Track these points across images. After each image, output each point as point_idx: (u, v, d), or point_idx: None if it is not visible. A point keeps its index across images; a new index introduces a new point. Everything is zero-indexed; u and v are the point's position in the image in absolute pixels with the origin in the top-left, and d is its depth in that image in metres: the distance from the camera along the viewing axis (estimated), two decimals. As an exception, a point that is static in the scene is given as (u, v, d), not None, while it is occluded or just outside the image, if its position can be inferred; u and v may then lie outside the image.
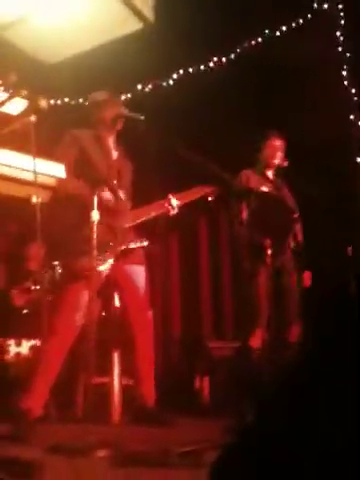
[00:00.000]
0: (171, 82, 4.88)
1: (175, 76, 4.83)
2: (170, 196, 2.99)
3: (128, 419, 2.85)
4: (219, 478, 1.23)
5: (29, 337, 3.45)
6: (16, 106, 3.49)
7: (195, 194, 3.06)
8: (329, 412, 1.10)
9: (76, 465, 1.89)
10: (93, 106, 3.05)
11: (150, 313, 2.94)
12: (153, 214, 2.98)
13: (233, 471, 1.21)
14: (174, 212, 3.00)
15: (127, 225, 2.92)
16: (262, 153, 3.72)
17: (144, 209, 3.01)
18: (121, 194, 2.96)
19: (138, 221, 2.97)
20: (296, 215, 3.61)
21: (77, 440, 2.17)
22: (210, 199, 3.09)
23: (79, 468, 1.84)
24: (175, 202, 2.98)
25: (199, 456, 2.03)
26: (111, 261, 2.79)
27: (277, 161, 3.66)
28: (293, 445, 1.11)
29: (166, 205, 2.98)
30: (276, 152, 3.66)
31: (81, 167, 2.84)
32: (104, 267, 2.73)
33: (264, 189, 3.60)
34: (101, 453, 2.17)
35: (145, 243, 2.94)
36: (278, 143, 3.69)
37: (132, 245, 2.90)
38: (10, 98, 3.35)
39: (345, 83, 4.38)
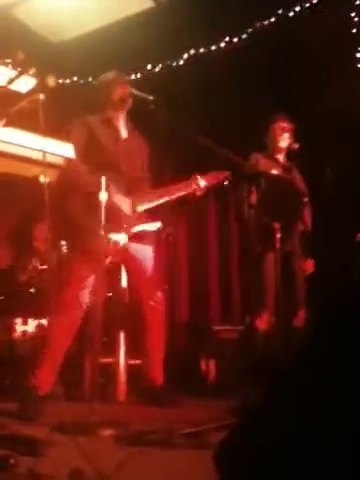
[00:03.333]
0: (181, 62, 4.82)
1: (186, 56, 4.76)
2: (198, 176, 2.95)
3: (135, 399, 2.86)
4: (225, 459, 1.23)
5: (35, 316, 3.47)
6: (24, 84, 3.46)
7: (214, 178, 3.02)
8: (336, 395, 1.09)
9: (82, 443, 1.90)
10: (101, 86, 3.02)
11: (160, 293, 2.93)
12: (179, 194, 2.95)
13: (239, 452, 1.21)
14: (201, 193, 2.96)
15: (142, 207, 2.88)
16: (269, 136, 3.69)
17: (167, 189, 2.97)
18: (133, 174, 2.92)
19: (160, 201, 2.93)
20: (306, 199, 3.58)
21: (83, 419, 2.19)
22: (226, 184, 3.06)
23: (84, 446, 1.85)
24: (203, 182, 2.94)
25: (204, 437, 2.04)
26: (123, 242, 2.77)
27: (284, 144, 3.64)
28: (299, 427, 1.11)
29: (193, 185, 2.94)
30: (283, 134, 3.63)
31: (90, 150, 2.82)
32: (110, 250, 2.72)
33: (274, 172, 3.57)
34: (107, 432, 2.18)
35: (158, 225, 2.92)
36: (285, 125, 3.66)
37: (145, 227, 2.88)
38: (18, 76, 3.32)
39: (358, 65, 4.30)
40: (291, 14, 4.56)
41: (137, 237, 2.87)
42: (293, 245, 3.53)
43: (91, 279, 2.71)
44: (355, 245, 3.63)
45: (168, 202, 2.97)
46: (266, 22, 4.57)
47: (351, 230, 3.75)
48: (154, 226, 2.91)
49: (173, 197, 2.95)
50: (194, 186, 2.94)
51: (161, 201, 2.95)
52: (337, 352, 1.13)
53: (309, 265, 3.64)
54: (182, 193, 2.95)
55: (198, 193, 2.97)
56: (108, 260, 2.69)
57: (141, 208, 2.90)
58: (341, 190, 3.83)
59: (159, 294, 2.93)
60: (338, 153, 3.88)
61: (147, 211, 2.95)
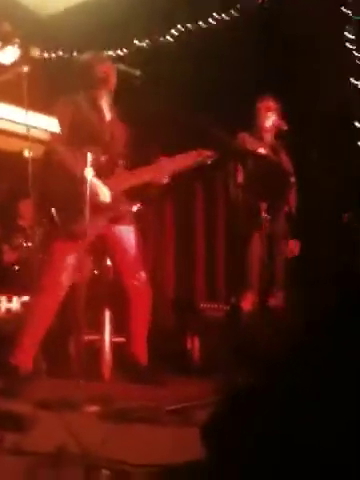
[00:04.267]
0: (169, 37, 4.75)
1: (173, 31, 4.69)
2: (162, 160, 2.91)
3: (119, 376, 2.88)
4: (210, 436, 1.24)
5: (20, 293, 3.45)
6: (8, 56, 3.38)
7: (192, 158, 2.98)
8: (314, 373, 1.11)
9: (66, 420, 1.90)
10: (83, 66, 2.96)
11: (143, 273, 2.92)
12: (145, 179, 2.92)
13: (224, 429, 1.22)
14: (166, 180, 2.94)
15: (119, 189, 2.87)
16: (255, 116, 3.66)
17: (137, 173, 2.95)
18: (114, 155, 2.90)
19: (129, 185, 2.91)
20: (292, 179, 3.58)
21: (67, 395, 2.19)
22: (208, 163, 3.02)
23: (69, 423, 1.85)
24: (168, 168, 2.90)
25: (189, 414, 2.05)
26: (101, 223, 2.75)
27: (269, 123, 3.61)
28: (284, 405, 1.12)
29: (159, 171, 2.91)
30: (268, 113, 3.60)
31: (75, 129, 2.78)
32: (92, 229, 2.70)
33: (261, 151, 3.55)
34: (91, 408, 2.19)
35: (136, 207, 2.90)
36: (271, 105, 3.63)
37: (123, 208, 2.87)
38: (2, 47, 3.25)
39: (349, 46, 4.28)
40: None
41: (118, 218, 2.85)
42: (278, 226, 3.53)
43: (73, 258, 2.70)
44: (344, 226, 3.64)
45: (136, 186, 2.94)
46: (255, 2, 4.52)
47: (336, 211, 3.76)
48: (132, 207, 2.90)
49: (139, 182, 2.92)
50: (160, 171, 2.90)
51: (134, 184, 2.92)
52: (329, 336, 1.15)
53: (294, 247, 3.64)
54: (148, 178, 2.92)
55: (164, 180, 2.93)
56: (90, 240, 2.67)
57: (120, 189, 2.88)
58: (327, 171, 3.83)
59: (142, 273, 2.92)
60: (325, 136, 3.88)
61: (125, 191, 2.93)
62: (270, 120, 3.60)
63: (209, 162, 2.99)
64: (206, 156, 2.95)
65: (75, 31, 4.51)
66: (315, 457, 1.05)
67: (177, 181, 3.06)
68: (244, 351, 2.61)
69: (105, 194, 2.80)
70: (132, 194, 2.96)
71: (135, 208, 2.93)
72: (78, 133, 2.78)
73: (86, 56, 2.99)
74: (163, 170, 2.90)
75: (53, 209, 2.76)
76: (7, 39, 3.33)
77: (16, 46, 3.21)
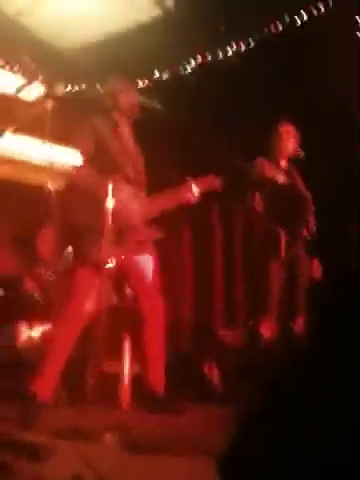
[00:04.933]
0: (189, 69, 4.84)
1: (193, 63, 4.79)
2: (192, 183, 2.94)
3: (137, 406, 2.87)
4: (227, 466, 1.23)
5: (41, 322, 3.48)
6: (33, 92, 3.51)
7: (210, 182, 3.01)
8: (336, 402, 1.10)
9: (83, 449, 1.91)
10: (109, 92, 3.03)
11: (160, 301, 2.93)
12: (176, 203, 2.95)
13: (241, 459, 1.21)
14: (195, 199, 2.97)
15: (144, 216, 2.89)
16: (275, 141, 3.67)
17: (164, 198, 2.97)
18: (136, 183, 2.93)
19: (157, 212, 2.93)
20: (311, 205, 3.57)
21: (85, 425, 2.20)
22: (220, 191, 3.04)
23: (86, 452, 1.86)
24: (196, 190, 2.94)
25: (208, 443, 2.04)
26: (121, 253, 2.77)
27: (290, 149, 3.61)
28: (300, 434, 1.12)
29: (188, 194, 2.94)
30: (289, 140, 3.61)
31: (98, 155, 2.83)
32: (114, 259, 2.72)
33: (279, 179, 3.57)
34: (109, 438, 2.19)
35: (159, 236, 2.92)
36: (291, 130, 3.64)
37: (146, 238, 2.89)
38: (27, 84, 3.36)
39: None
40: (299, 22, 4.56)
41: (137, 247, 2.87)
42: (297, 251, 3.52)
43: (95, 288, 2.72)
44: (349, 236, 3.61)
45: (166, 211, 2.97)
46: (273, 29, 4.58)
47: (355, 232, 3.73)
48: (154, 236, 2.91)
49: (172, 205, 2.95)
50: (187, 194, 2.93)
51: (162, 210, 2.94)
52: (340, 359, 1.14)
53: (316, 268, 3.62)
54: (180, 201, 2.95)
55: (192, 201, 2.96)
56: (112, 269, 2.69)
57: (144, 217, 2.91)
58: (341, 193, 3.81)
59: (158, 300, 2.93)
60: (341, 162, 3.87)
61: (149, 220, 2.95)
62: (291, 145, 3.60)
63: (220, 190, 3.02)
64: (216, 186, 2.99)
65: (95, 65, 4.62)
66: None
67: (196, 207, 3.08)
68: (262, 377, 2.59)
69: (133, 219, 2.82)
70: (155, 221, 2.99)
71: (157, 237, 2.94)
72: (102, 157, 2.80)
73: (115, 83, 3.04)
74: (193, 189, 2.93)
75: (76, 238, 2.80)
76: (31, 76, 3.45)
77: (40, 83, 3.33)
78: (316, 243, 3.63)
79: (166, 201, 2.96)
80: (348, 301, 1.31)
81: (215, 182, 2.99)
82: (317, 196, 3.64)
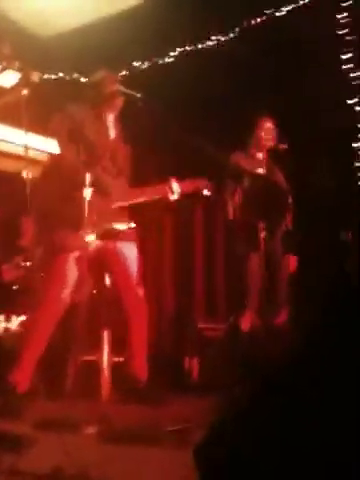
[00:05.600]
0: (168, 60, 4.82)
1: (173, 53, 4.76)
2: (173, 181, 2.94)
3: (118, 396, 2.86)
4: (203, 457, 1.23)
5: (19, 313, 3.45)
6: (9, 79, 3.43)
7: (190, 186, 3.01)
8: (318, 393, 1.10)
9: (65, 441, 1.89)
10: (92, 84, 3.00)
11: (141, 290, 2.92)
12: (152, 197, 2.95)
13: (217, 451, 1.21)
14: (174, 198, 2.96)
15: (117, 205, 2.89)
16: (254, 135, 3.68)
17: (142, 190, 2.97)
18: (114, 173, 2.92)
19: (132, 202, 2.93)
20: (290, 199, 3.60)
21: (66, 416, 2.18)
22: (205, 193, 3.04)
23: (67, 444, 1.84)
24: (177, 188, 2.94)
25: (188, 435, 2.04)
26: (92, 238, 2.76)
27: (269, 144, 3.62)
28: (280, 425, 1.12)
29: (167, 189, 2.94)
30: (268, 134, 3.62)
31: (73, 144, 2.80)
32: (91, 247, 2.71)
33: (258, 171, 3.58)
34: (90, 429, 2.18)
35: (131, 225, 2.91)
36: (270, 125, 3.66)
37: (117, 226, 2.88)
38: (2, 70, 3.29)
39: (343, 67, 4.34)
40: (279, 14, 4.58)
41: (121, 235, 2.86)
42: (276, 244, 3.55)
43: (72, 276, 2.70)
44: (343, 242, 3.66)
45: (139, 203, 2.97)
46: (254, 21, 4.59)
47: (333, 227, 3.78)
48: (127, 226, 2.91)
49: (148, 199, 2.95)
50: (168, 191, 2.93)
51: (136, 201, 2.94)
52: (324, 351, 1.14)
53: (292, 263, 3.65)
54: (156, 196, 2.95)
55: (171, 198, 2.95)
56: (90, 258, 2.68)
57: (117, 205, 2.90)
58: (324, 189, 3.86)
59: (140, 290, 2.93)
60: (322, 153, 3.91)
61: (124, 209, 2.95)
62: (270, 141, 3.62)
63: (206, 192, 3.01)
64: (202, 187, 2.99)
65: (74, 53, 4.57)
66: (316, 474, 1.05)
67: (175, 201, 3.08)
68: (244, 369, 2.61)
69: (108, 210, 2.82)
70: (132, 212, 2.98)
71: (128, 226, 2.93)
72: (79, 146, 2.79)
73: (97, 74, 3.01)
74: (173, 188, 2.93)
75: (51, 226, 2.78)
76: (7, 62, 3.38)
77: (16, 69, 3.26)
78: (303, 239, 3.68)
79: (145, 194, 2.96)
80: (333, 296, 1.31)
81: (202, 184, 2.99)
82: (301, 194, 3.68)
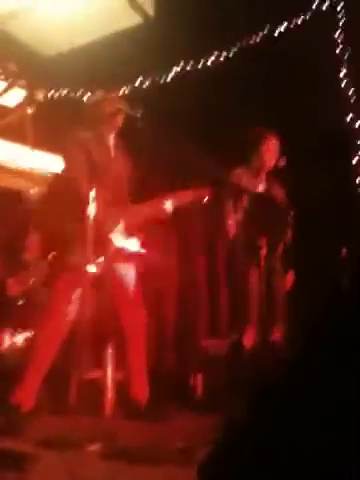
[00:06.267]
0: (169, 78, 4.87)
1: (174, 71, 4.82)
2: (164, 201, 2.95)
3: (121, 414, 2.86)
4: (207, 475, 1.24)
5: (24, 328, 3.45)
6: (14, 97, 3.48)
7: (189, 196, 3.03)
8: (321, 412, 1.11)
9: (68, 458, 1.90)
10: (92, 104, 3.04)
11: (143, 310, 2.94)
12: (149, 214, 2.97)
13: (221, 469, 1.22)
14: (167, 216, 2.98)
15: (121, 224, 2.91)
16: (258, 153, 3.65)
17: (138, 209, 3.00)
18: (116, 193, 2.94)
19: (134, 219, 2.96)
20: (291, 215, 3.61)
21: (69, 433, 2.19)
22: (205, 202, 3.06)
23: (70, 461, 1.85)
24: (168, 205, 2.94)
25: (192, 453, 2.04)
26: (102, 260, 2.78)
27: (272, 162, 3.60)
28: (284, 443, 1.13)
29: (159, 208, 2.96)
30: (273, 154, 3.61)
31: (82, 167, 2.84)
32: (95, 265, 2.73)
33: (259, 189, 3.60)
34: (93, 447, 2.18)
35: (138, 244, 2.94)
36: (274, 144, 3.65)
37: (127, 247, 2.90)
38: (8, 88, 3.34)
39: (343, 82, 4.39)
40: (277, 33, 4.64)
41: (120, 256, 2.87)
42: (275, 262, 3.55)
43: (77, 293, 2.72)
44: (341, 259, 3.67)
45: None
46: (252, 40, 4.65)
47: (332, 244, 3.80)
48: (134, 245, 2.93)
49: (141, 218, 2.97)
50: (159, 209, 2.94)
51: (137, 219, 2.96)
52: (322, 367, 1.15)
53: (289, 280, 3.66)
54: (152, 213, 2.96)
55: (163, 216, 2.96)
56: (94, 276, 2.70)
57: (126, 224, 2.93)
58: (323, 204, 3.88)
59: (139, 311, 2.94)
60: (321, 169, 3.94)
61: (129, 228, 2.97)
62: (273, 159, 3.60)
63: (204, 201, 3.03)
64: (203, 196, 3.01)
65: (78, 71, 4.62)
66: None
67: (177, 218, 3.11)
68: (246, 386, 2.61)
69: (111, 229, 2.84)
70: (135, 229, 3.00)
71: (138, 243, 2.96)
72: (85, 171, 2.83)
73: (96, 95, 3.05)
74: (165, 205, 2.95)
75: (57, 243, 2.80)
76: (13, 80, 3.42)
77: (22, 87, 3.30)
78: (300, 255, 3.69)
79: (142, 212, 2.98)
80: (332, 312, 1.32)
81: (201, 193, 3.01)
82: (302, 208, 3.70)
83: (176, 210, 2.99)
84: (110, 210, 2.85)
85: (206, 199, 3.00)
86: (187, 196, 3.01)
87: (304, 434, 1.09)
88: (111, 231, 2.84)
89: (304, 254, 3.80)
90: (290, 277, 3.65)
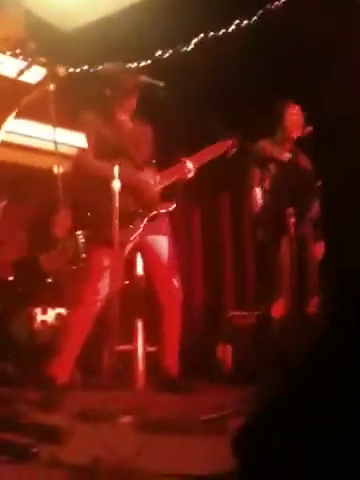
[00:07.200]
0: (191, 47, 4.78)
1: (195, 41, 4.72)
2: (184, 160, 2.96)
3: (153, 386, 2.90)
4: (242, 446, 1.25)
5: (54, 305, 3.50)
6: (34, 75, 3.46)
7: (213, 152, 3.02)
8: (354, 383, 1.09)
9: (101, 431, 1.93)
10: (108, 78, 3.01)
11: (177, 280, 2.95)
12: (171, 180, 2.98)
13: (256, 439, 1.22)
14: (191, 175, 2.97)
15: (152, 191, 2.91)
16: (282, 123, 3.63)
17: (162, 174, 3.00)
18: (141, 163, 2.94)
19: (160, 186, 2.96)
20: (319, 183, 3.55)
21: (102, 407, 2.23)
22: (231, 153, 3.05)
23: (104, 434, 1.89)
24: (190, 165, 2.95)
25: (222, 423, 2.07)
26: (134, 234, 2.79)
27: (296, 129, 3.57)
28: (315, 415, 1.12)
29: (184, 169, 2.95)
30: (297, 122, 3.57)
31: (101, 141, 2.84)
32: (133, 236, 2.76)
33: (284, 157, 3.55)
34: (125, 419, 2.22)
35: (173, 206, 2.94)
36: (297, 113, 3.61)
37: (162, 210, 2.90)
38: (28, 67, 3.33)
39: None
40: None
41: (152, 227, 2.88)
42: (306, 230, 3.51)
43: (110, 267, 2.73)
44: None
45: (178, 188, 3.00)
46: (275, 5, 4.50)
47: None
48: (169, 207, 2.93)
49: (168, 182, 2.98)
50: (184, 169, 2.95)
51: (159, 187, 2.97)
52: (353, 341, 1.13)
53: (319, 249, 3.62)
54: (175, 178, 2.97)
55: (188, 176, 2.97)
56: (127, 250, 2.72)
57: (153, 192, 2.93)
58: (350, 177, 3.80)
59: (175, 282, 2.95)
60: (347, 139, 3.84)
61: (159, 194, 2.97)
62: (298, 127, 3.57)
63: (231, 153, 3.02)
64: (228, 147, 2.99)
65: (97, 45, 4.58)
66: (348, 469, 1.05)
67: (202, 187, 3.10)
68: (275, 359, 2.61)
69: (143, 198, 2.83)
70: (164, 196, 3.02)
71: (172, 207, 2.97)
72: (105, 144, 2.83)
73: (112, 67, 3.03)
74: (187, 168, 2.94)
75: (88, 220, 2.82)
76: (32, 58, 3.41)
77: (42, 65, 3.28)
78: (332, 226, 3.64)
79: (166, 177, 2.99)
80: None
81: (224, 145, 2.99)
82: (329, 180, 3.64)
83: (202, 167, 2.99)
84: (137, 180, 2.85)
85: (233, 151, 2.98)
86: (211, 151, 3.00)
87: (336, 408, 1.08)
88: (141, 202, 2.84)
89: (334, 226, 3.74)
90: (320, 247, 3.61)
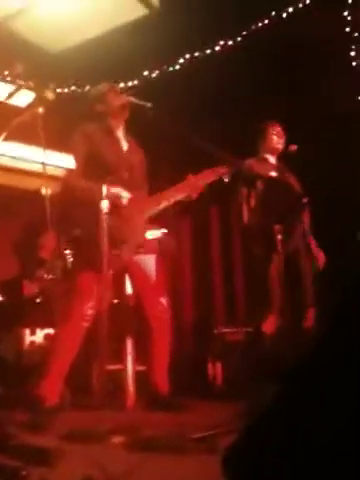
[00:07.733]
0: (177, 67, 4.85)
1: (181, 61, 4.79)
2: (192, 177, 2.96)
3: (142, 405, 2.88)
4: (232, 464, 1.24)
5: (43, 326, 3.49)
6: (23, 98, 3.50)
7: (210, 176, 3.03)
8: (347, 398, 1.09)
9: (92, 451, 1.92)
10: (98, 98, 3.03)
11: (165, 299, 2.95)
12: (178, 198, 2.96)
13: (246, 457, 1.22)
14: (197, 194, 2.97)
15: (144, 216, 2.90)
16: (264, 140, 3.72)
17: (164, 194, 2.98)
18: (133, 185, 2.93)
19: (159, 208, 2.94)
20: (305, 199, 3.59)
21: (92, 427, 2.21)
22: (225, 180, 3.06)
23: (95, 454, 1.87)
24: (197, 184, 2.96)
25: (213, 441, 2.05)
26: (123, 253, 2.78)
27: (280, 146, 3.68)
28: (308, 432, 1.12)
29: (189, 187, 2.94)
30: (279, 138, 3.68)
31: (91, 162, 2.84)
32: (116, 261, 2.73)
33: (272, 174, 3.59)
34: (116, 439, 2.20)
35: (162, 231, 2.94)
36: (278, 130, 3.71)
37: (149, 236, 2.90)
38: (17, 90, 3.36)
39: (353, 63, 4.32)
40: (285, 15, 4.57)
41: (142, 248, 2.88)
42: (296, 245, 3.54)
43: (97, 288, 2.73)
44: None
45: (168, 208, 2.99)
46: (260, 24, 4.59)
47: (350, 227, 3.76)
48: (158, 233, 2.93)
49: (171, 202, 2.97)
50: (190, 188, 2.94)
51: (160, 207, 2.96)
52: (347, 352, 1.14)
53: (320, 260, 3.65)
54: (179, 197, 2.96)
55: (194, 195, 2.97)
56: (112, 271, 2.71)
57: (145, 216, 2.92)
58: (337, 189, 3.85)
59: (164, 302, 2.95)
60: (333, 152, 3.90)
61: (149, 219, 2.97)
62: (281, 144, 3.67)
63: (226, 179, 3.04)
64: (223, 173, 3.00)
65: (85, 66, 4.63)
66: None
67: (193, 206, 3.11)
68: (267, 375, 2.60)
69: (132, 220, 2.83)
70: (155, 220, 3.01)
71: (161, 232, 2.96)
72: (96, 164, 2.83)
73: (100, 87, 3.05)
74: (194, 185, 2.94)
75: (75, 241, 2.81)
76: (21, 82, 3.44)
77: (31, 89, 3.32)
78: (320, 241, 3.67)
79: (166, 198, 2.97)
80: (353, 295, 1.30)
81: (220, 171, 3.01)
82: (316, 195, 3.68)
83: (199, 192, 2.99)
84: (127, 203, 2.84)
85: (226, 178, 3.00)
86: (210, 175, 3.01)
87: (330, 422, 1.08)
88: (130, 224, 2.83)
89: (323, 240, 3.78)
90: (321, 255, 3.64)
